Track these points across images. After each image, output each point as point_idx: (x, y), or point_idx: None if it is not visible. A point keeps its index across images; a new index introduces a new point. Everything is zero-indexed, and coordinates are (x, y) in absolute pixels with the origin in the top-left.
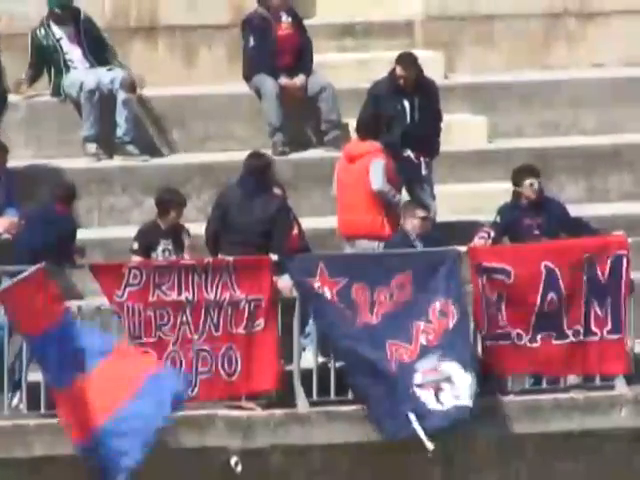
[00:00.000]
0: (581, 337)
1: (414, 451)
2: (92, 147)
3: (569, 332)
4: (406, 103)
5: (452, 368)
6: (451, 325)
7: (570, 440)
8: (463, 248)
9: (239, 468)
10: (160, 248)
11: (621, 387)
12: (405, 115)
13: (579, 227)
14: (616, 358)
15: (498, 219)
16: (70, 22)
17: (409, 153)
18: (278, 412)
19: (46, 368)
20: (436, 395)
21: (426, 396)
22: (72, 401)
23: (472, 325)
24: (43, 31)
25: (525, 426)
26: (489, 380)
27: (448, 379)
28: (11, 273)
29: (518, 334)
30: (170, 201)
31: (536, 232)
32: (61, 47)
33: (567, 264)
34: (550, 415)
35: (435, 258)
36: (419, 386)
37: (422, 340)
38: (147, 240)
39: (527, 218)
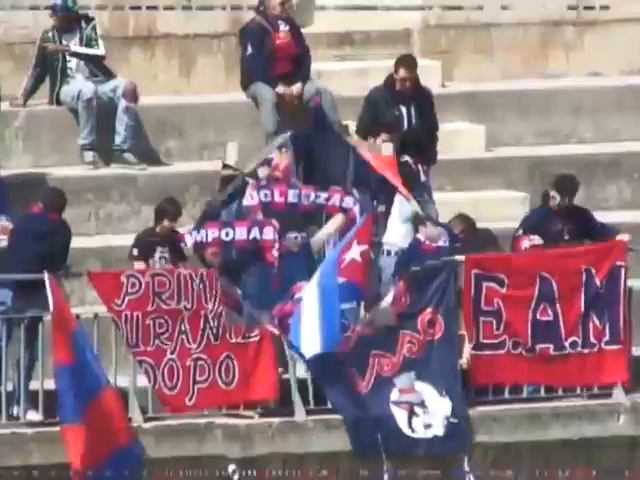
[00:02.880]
0: (579, 348)
1: None
2: (89, 155)
3: (566, 344)
4: (403, 110)
5: (427, 391)
6: (437, 337)
7: (568, 447)
8: (460, 257)
9: (236, 477)
10: (157, 255)
11: (619, 396)
12: (403, 122)
13: (604, 233)
14: (615, 369)
15: (528, 223)
16: (76, 29)
17: (407, 159)
18: (276, 420)
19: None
20: (409, 419)
21: (400, 416)
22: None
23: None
24: (52, 40)
25: (523, 434)
26: (484, 388)
27: (422, 403)
28: (5, 282)
29: (514, 343)
30: (166, 211)
31: (566, 237)
32: (64, 56)
33: (563, 274)
34: (548, 423)
35: (433, 268)
36: (395, 403)
37: (405, 351)
38: (145, 247)
39: (558, 222)
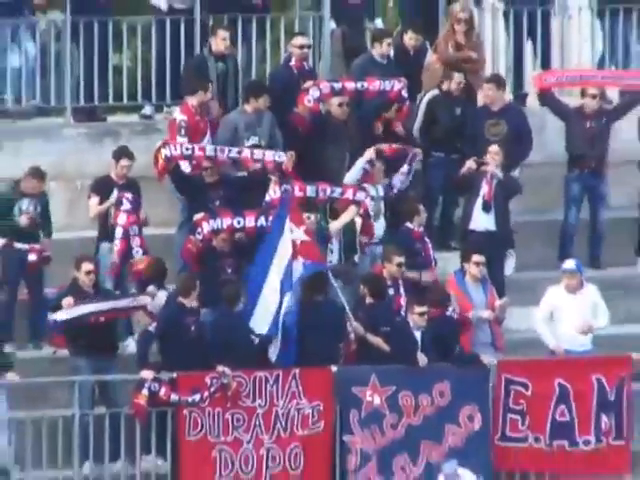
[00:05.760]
0: (592, 445)
1: None
2: None
3: (580, 440)
4: None
5: (468, 476)
6: (476, 429)
7: None
8: (494, 360)
9: None
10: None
11: None
12: None
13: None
14: (619, 461)
15: None
16: None
17: None
18: None
19: None
20: None
21: None
22: None
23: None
24: None
25: None
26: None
27: None
28: None
29: (536, 438)
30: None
31: None
32: None
33: (578, 381)
34: None
35: (470, 371)
36: None
37: (450, 441)
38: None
39: None
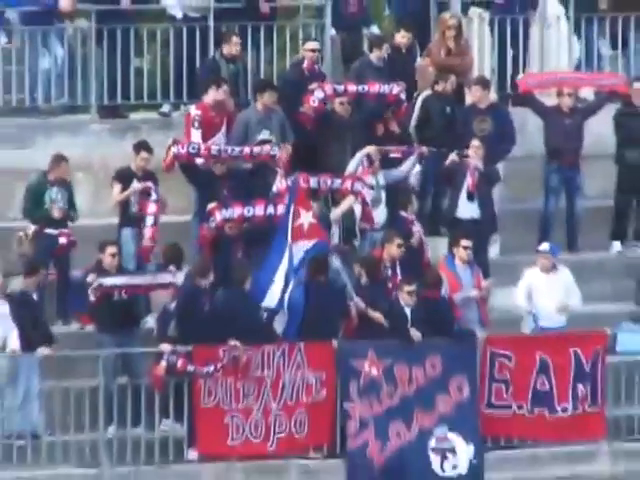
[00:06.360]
0: (569, 412)
1: None
2: None
3: (559, 408)
4: None
5: (457, 440)
6: (464, 399)
7: None
8: (482, 334)
9: None
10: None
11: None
12: None
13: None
14: (595, 426)
15: None
16: None
17: None
18: (335, 461)
19: None
20: (441, 462)
21: (435, 461)
22: None
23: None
24: None
25: (527, 472)
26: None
27: (452, 450)
28: None
29: (518, 406)
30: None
31: None
32: None
33: (557, 354)
34: (546, 463)
35: (459, 345)
36: (432, 450)
37: (440, 409)
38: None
39: None
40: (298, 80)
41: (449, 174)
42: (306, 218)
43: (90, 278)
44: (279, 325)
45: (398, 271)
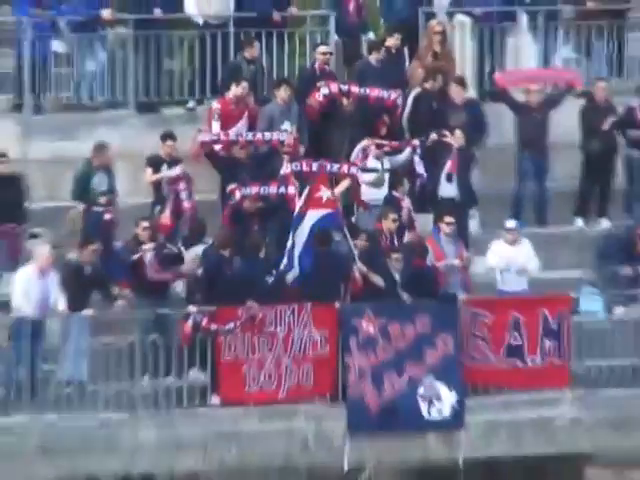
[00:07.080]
0: (538, 363)
1: None
2: None
3: (529, 360)
4: None
5: (442, 388)
6: (448, 352)
7: (535, 426)
8: (462, 296)
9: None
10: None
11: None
12: None
13: None
14: (560, 376)
15: None
16: None
17: None
18: (338, 407)
19: None
20: (428, 407)
21: (423, 406)
22: None
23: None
24: None
25: (503, 415)
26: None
27: (438, 396)
28: None
29: (495, 358)
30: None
31: None
32: None
33: (528, 314)
34: (519, 407)
35: (445, 306)
36: (421, 396)
37: (428, 361)
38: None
39: None
40: (311, 78)
41: (432, 153)
42: (325, 193)
43: (145, 247)
44: (290, 279)
45: (396, 242)
